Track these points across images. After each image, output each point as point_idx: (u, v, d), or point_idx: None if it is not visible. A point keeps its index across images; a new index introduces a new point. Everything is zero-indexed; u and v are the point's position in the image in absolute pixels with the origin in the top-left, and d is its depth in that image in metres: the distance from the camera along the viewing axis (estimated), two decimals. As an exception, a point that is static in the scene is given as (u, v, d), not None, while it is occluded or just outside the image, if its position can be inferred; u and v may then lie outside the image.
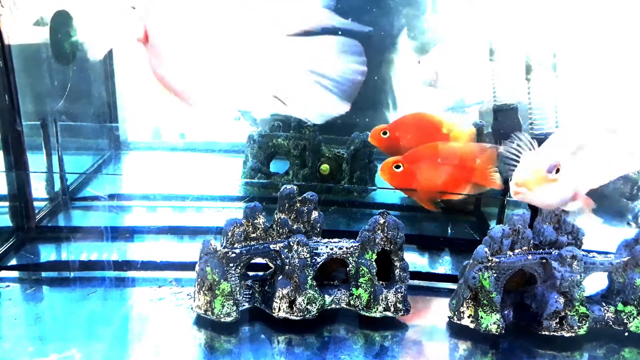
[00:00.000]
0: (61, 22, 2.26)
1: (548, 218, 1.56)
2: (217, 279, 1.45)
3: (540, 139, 1.79)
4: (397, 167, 1.56)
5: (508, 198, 1.96)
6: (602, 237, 1.76)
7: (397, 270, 1.54)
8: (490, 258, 1.47)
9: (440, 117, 1.94)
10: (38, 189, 2.12)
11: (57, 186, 2.20)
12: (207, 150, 2.97)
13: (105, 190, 2.36)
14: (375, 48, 3.04)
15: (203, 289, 1.48)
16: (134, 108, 3.08)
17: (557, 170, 1.29)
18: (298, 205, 1.57)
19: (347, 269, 1.54)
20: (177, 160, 2.88)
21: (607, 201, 2.52)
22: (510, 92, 2.16)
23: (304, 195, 1.58)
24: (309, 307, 1.48)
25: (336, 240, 1.56)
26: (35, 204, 1.99)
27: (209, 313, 1.47)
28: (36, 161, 2.01)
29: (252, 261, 1.54)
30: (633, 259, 1.50)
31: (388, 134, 2.02)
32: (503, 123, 2.19)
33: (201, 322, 1.50)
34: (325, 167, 2.36)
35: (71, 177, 2.31)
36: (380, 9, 2.89)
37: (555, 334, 1.47)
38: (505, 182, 1.97)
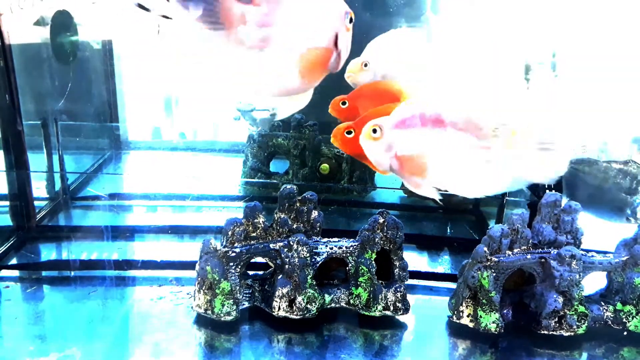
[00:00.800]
0: (62, 22, 2.27)
1: (547, 217, 1.57)
2: (217, 278, 1.45)
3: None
4: (349, 132, 1.54)
5: (507, 198, 1.96)
6: (601, 232, 1.77)
7: (397, 269, 1.55)
8: (489, 257, 1.47)
9: (399, 85, 1.89)
10: (39, 188, 2.12)
11: (58, 186, 2.21)
12: (207, 150, 2.97)
13: (105, 189, 2.36)
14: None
15: (203, 288, 1.48)
16: (134, 108, 3.09)
17: (375, 131, 1.39)
18: (298, 204, 1.57)
19: (347, 268, 1.55)
20: (178, 159, 2.88)
21: (606, 196, 2.52)
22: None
23: (304, 194, 1.58)
24: (308, 306, 1.49)
25: (336, 239, 1.56)
26: (36, 203, 1.99)
27: (209, 312, 1.47)
28: (37, 161, 2.02)
29: (252, 260, 1.55)
30: (632, 258, 1.50)
31: (347, 104, 2.00)
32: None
33: (201, 321, 1.51)
34: (325, 167, 2.36)
35: (72, 176, 2.31)
36: (379, 9, 2.89)
37: (554, 333, 1.47)
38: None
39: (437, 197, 1.44)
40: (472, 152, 1.34)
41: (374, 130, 1.40)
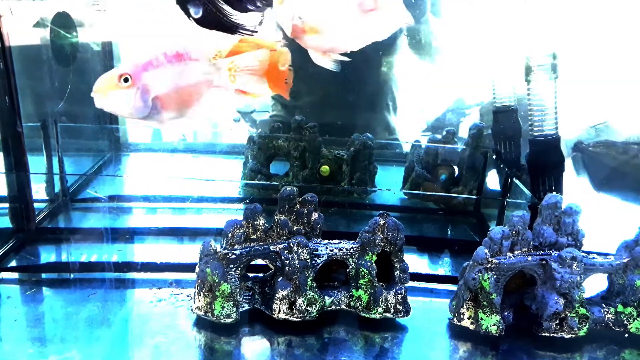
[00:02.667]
0: (62, 24, 2.27)
1: (548, 219, 1.56)
2: (217, 281, 1.45)
3: (541, 141, 1.81)
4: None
5: (508, 199, 1.96)
6: (602, 234, 1.76)
7: (397, 271, 1.54)
8: (490, 259, 1.47)
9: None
10: (38, 190, 2.12)
11: (57, 187, 2.20)
12: (207, 152, 2.97)
13: (99, 191, 2.36)
14: (374, 49, 3.05)
15: (203, 291, 1.48)
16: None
17: (127, 79, 1.35)
18: (298, 206, 1.57)
19: (347, 270, 1.54)
20: (177, 161, 2.88)
21: (628, 177, 2.52)
22: (510, 93, 2.17)
23: (304, 196, 1.58)
24: (309, 308, 1.48)
25: (336, 241, 1.56)
26: (36, 205, 1.99)
27: (209, 314, 1.47)
28: (36, 162, 2.01)
29: (252, 262, 1.54)
30: (633, 260, 1.50)
31: None
32: (503, 124, 2.20)
33: (201, 323, 1.50)
34: (325, 169, 2.36)
35: (71, 178, 2.31)
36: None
37: (555, 335, 1.47)
38: (506, 180, 1.97)
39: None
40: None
41: (125, 79, 1.34)
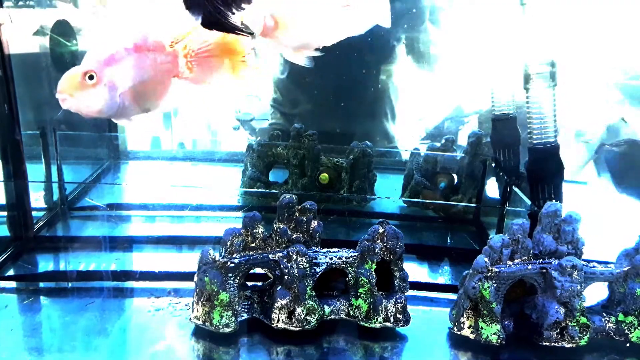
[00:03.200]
0: (61, 32, 2.27)
1: (548, 228, 1.56)
2: (215, 290, 1.44)
3: (540, 148, 1.81)
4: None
5: (507, 207, 1.95)
6: (602, 242, 1.75)
7: (397, 280, 1.54)
8: (490, 268, 1.46)
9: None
10: (38, 200, 2.12)
11: (56, 196, 2.19)
12: (206, 160, 2.97)
13: (104, 199, 2.35)
14: (374, 58, 3.06)
15: (201, 300, 1.47)
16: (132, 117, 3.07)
17: (92, 77, 1.32)
18: (297, 214, 1.56)
19: (347, 279, 1.54)
20: (177, 169, 2.88)
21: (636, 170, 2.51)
22: (509, 101, 2.17)
23: (303, 204, 1.57)
24: (308, 317, 1.47)
25: (335, 250, 1.55)
26: (34, 213, 1.98)
27: (208, 324, 1.46)
28: (35, 170, 2.01)
29: (251, 271, 1.53)
30: (633, 268, 1.49)
31: None
32: (502, 132, 2.20)
33: (199, 333, 1.49)
34: (324, 176, 2.36)
35: (70, 186, 2.30)
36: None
37: (556, 344, 1.46)
38: (505, 189, 1.97)
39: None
40: None
41: (90, 77, 1.30)
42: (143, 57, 1.36)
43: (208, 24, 1.23)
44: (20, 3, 2.55)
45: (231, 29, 1.24)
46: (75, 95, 1.32)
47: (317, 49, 1.42)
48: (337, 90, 3.03)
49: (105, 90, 1.33)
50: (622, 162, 2.68)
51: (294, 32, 1.32)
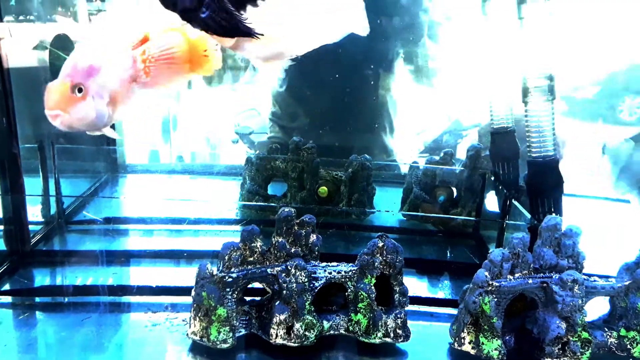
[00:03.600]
0: (61, 46, 2.28)
1: (548, 241, 1.55)
2: (213, 305, 1.42)
3: (539, 162, 1.81)
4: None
5: (507, 221, 1.95)
6: (602, 256, 1.74)
7: (397, 295, 1.52)
8: (490, 282, 1.45)
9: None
10: (36, 215, 2.10)
11: (53, 209, 2.18)
12: (205, 173, 2.96)
13: (101, 213, 2.34)
14: (372, 72, 3.08)
15: (199, 315, 1.45)
16: (132, 130, 3.08)
17: (80, 89, 1.27)
18: (296, 228, 1.55)
19: (346, 293, 1.52)
20: (175, 183, 2.87)
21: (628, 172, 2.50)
22: (508, 115, 2.18)
23: (302, 218, 1.56)
24: (307, 333, 1.45)
25: (335, 264, 1.54)
26: (31, 227, 1.97)
27: (205, 339, 1.44)
28: (33, 184, 2.00)
29: (249, 286, 1.52)
30: (634, 282, 1.48)
31: None
32: (500, 146, 2.20)
33: (197, 348, 1.47)
34: (323, 190, 2.35)
35: (67, 200, 2.29)
36: (378, 34, 2.93)
37: (558, 360, 1.44)
38: (505, 202, 1.96)
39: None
40: None
41: (79, 90, 1.24)
42: (117, 64, 1.33)
43: (221, 31, 1.19)
44: (21, 17, 2.56)
45: (244, 32, 1.20)
46: (70, 111, 1.27)
47: (291, 58, 1.38)
48: (336, 104, 3.04)
49: (93, 102, 1.28)
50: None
51: (264, 42, 1.27)
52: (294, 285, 1.45)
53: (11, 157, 1.81)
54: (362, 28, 1.44)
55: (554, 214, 1.71)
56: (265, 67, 1.37)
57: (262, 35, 1.21)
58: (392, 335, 1.50)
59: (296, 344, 1.45)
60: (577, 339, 1.44)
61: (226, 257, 1.49)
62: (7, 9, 2.30)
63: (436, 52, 3.22)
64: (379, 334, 1.49)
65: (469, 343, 1.47)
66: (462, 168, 2.34)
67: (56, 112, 1.27)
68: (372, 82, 3.11)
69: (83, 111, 1.28)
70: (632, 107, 7.83)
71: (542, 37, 1.78)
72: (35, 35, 2.29)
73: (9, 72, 1.77)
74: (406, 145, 3.46)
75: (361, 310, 1.49)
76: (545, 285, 1.47)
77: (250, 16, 1.18)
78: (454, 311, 1.58)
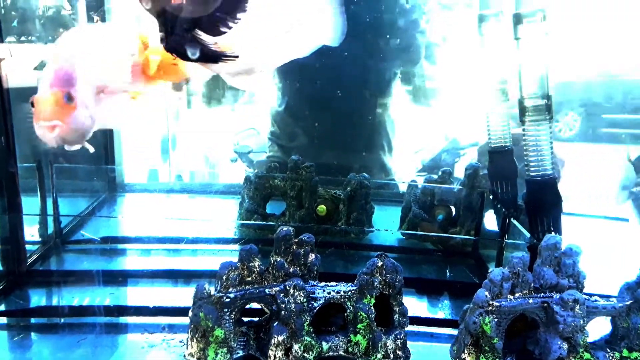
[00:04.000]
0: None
1: (548, 261, 1.54)
2: (210, 325, 1.41)
3: (537, 181, 1.81)
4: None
5: (506, 240, 1.94)
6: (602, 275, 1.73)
7: (396, 315, 1.51)
8: (491, 302, 1.43)
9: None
10: (33, 235, 2.09)
11: (51, 229, 2.17)
12: (204, 192, 2.96)
13: (99, 232, 2.33)
14: (370, 92, 3.10)
15: (196, 336, 1.43)
16: (130, 150, 3.09)
17: (70, 98, 1.23)
18: (294, 247, 1.54)
19: (345, 314, 1.51)
20: (174, 202, 2.86)
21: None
22: (506, 134, 2.19)
23: (301, 237, 1.55)
24: (305, 354, 1.43)
25: (333, 283, 1.52)
26: (27, 247, 1.95)
27: (202, 361, 1.42)
28: (30, 203, 1.99)
29: (247, 306, 1.50)
30: (636, 302, 1.47)
31: None
32: (499, 165, 2.20)
33: (194, 370, 1.45)
34: (322, 208, 2.34)
35: (65, 219, 2.28)
36: (376, 54, 2.96)
37: (560, 381, 1.42)
38: (504, 221, 1.96)
39: None
40: None
41: (69, 98, 1.20)
42: (93, 70, 1.31)
43: (198, 58, 1.19)
44: (23, 38, 2.59)
45: (216, 56, 1.20)
46: (65, 120, 1.22)
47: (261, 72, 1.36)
48: (335, 123, 3.06)
49: (86, 110, 1.25)
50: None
51: (238, 58, 1.25)
52: (293, 305, 1.44)
53: (9, 176, 1.80)
54: (332, 39, 1.42)
55: (553, 233, 1.70)
56: (235, 82, 1.36)
57: (236, 57, 1.21)
58: (392, 356, 1.48)
59: (295, 366, 1.43)
60: (579, 360, 1.42)
61: (224, 277, 1.48)
62: (8, 30, 2.32)
63: (433, 73, 3.26)
64: (379, 355, 1.47)
65: (470, 364, 1.45)
66: (461, 187, 2.35)
67: (54, 123, 1.22)
68: (370, 102, 3.13)
69: (79, 120, 1.25)
70: (569, 122, 7.87)
71: (538, 57, 1.79)
72: (37, 56, 2.31)
73: (9, 92, 1.78)
74: (405, 164, 3.47)
75: (360, 331, 1.47)
76: (546, 305, 1.46)
77: (224, 38, 1.18)
78: (454, 332, 1.56)
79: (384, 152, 3.25)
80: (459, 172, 2.60)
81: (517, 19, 1.80)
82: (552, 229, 1.80)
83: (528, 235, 1.83)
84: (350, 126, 3.08)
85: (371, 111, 3.15)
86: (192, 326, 1.44)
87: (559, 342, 1.42)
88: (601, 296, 1.53)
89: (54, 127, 1.23)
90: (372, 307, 1.48)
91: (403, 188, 2.84)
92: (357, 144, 3.13)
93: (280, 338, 1.43)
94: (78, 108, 1.24)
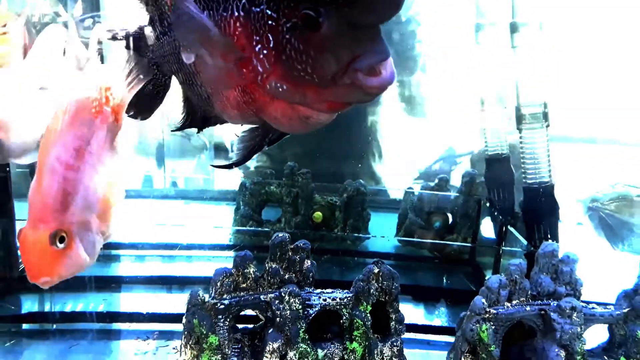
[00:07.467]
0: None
1: (545, 268, 1.53)
2: (204, 332, 1.39)
3: (535, 188, 1.81)
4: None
5: (503, 247, 1.93)
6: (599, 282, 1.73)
7: (393, 322, 1.49)
8: (488, 309, 1.42)
9: None
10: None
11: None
12: (199, 198, 2.94)
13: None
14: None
15: (190, 343, 1.41)
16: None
17: (62, 239, 1.01)
18: (290, 253, 1.53)
19: (341, 321, 1.49)
20: (168, 207, 2.85)
21: None
22: (503, 142, 2.19)
23: (296, 243, 1.54)
24: (300, 362, 1.42)
25: (329, 290, 1.51)
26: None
27: (196, 368, 1.40)
28: (23, 208, 1.97)
29: (242, 313, 1.49)
30: (633, 310, 1.46)
31: None
32: (496, 172, 2.20)
33: (187, 378, 1.43)
34: (318, 215, 2.33)
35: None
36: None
37: (558, 390, 1.41)
38: (501, 228, 1.95)
39: None
40: None
41: (61, 240, 0.99)
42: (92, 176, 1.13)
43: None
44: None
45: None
46: (55, 272, 1.01)
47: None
48: (325, 132, 3.05)
49: (82, 247, 1.05)
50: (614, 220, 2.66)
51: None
52: (288, 312, 1.42)
53: (1, 180, 1.79)
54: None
55: (550, 240, 1.70)
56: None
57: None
58: (388, 364, 1.46)
59: (290, 374, 1.41)
60: (576, 368, 1.41)
61: (218, 284, 1.46)
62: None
63: (428, 81, 3.27)
64: (375, 363, 1.46)
65: (467, 372, 1.44)
66: (458, 194, 2.34)
67: (44, 280, 1.01)
68: (360, 110, 3.13)
69: (73, 265, 1.04)
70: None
71: (535, 65, 1.80)
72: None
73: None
74: (396, 172, 3.47)
75: (357, 338, 1.46)
76: (543, 312, 1.45)
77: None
78: (451, 339, 1.55)
79: (374, 160, 3.25)
80: (455, 180, 2.60)
81: (514, 28, 1.81)
82: (549, 236, 1.79)
83: (525, 242, 1.83)
84: (340, 134, 3.08)
85: (362, 119, 3.16)
86: (185, 333, 1.43)
87: (557, 350, 1.41)
88: (598, 304, 1.52)
89: (44, 283, 1.02)
90: (369, 314, 1.47)
91: (395, 195, 2.84)
92: (347, 152, 3.13)
93: (275, 345, 1.42)
94: (73, 249, 1.03)
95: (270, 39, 0.80)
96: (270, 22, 0.79)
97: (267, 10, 0.79)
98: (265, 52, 0.81)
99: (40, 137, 1.12)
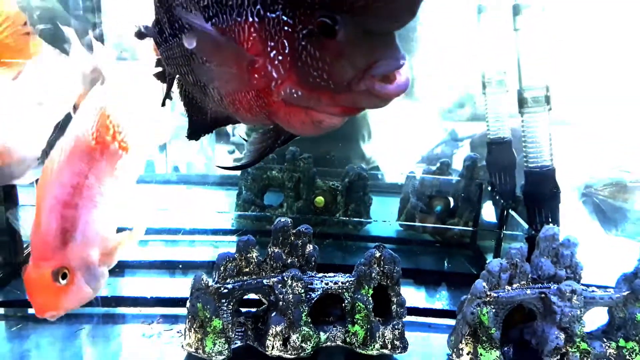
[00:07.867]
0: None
1: (546, 252, 1.54)
2: (208, 316, 1.41)
3: (536, 172, 1.81)
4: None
5: (504, 231, 1.94)
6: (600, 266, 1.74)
7: (394, 305, 1.51)
8: (488, 293, 1.44)
9: None
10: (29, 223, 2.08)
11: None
12: (201, 183, 2.95)
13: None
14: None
15: (194, 326, 1.43)
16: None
17: (64, 276, 1.06)
18: (292, 238, 1.54)
19: (343, 304, 1.51)
20: (171, 192, 2.85)
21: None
22: (504, 125, 2.18)
23: (299, 228, 1.55)
24: (303, 345, 1.44)
25: (331, 274, 1.52)
26: (24, 237, 1.94)
27: (200, 351, 1.42)
28: (28, 195, 1.98)
29: (245, 297, 1.50)
30: (633, 293, 1.47)
31: None
32: (497, 156, 2.20)
33: (192, 360, 1.45)
34: (319, 200, 2.34)
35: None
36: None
37: (557, 371, 1.43)
38: (502, 212, 1.96)
39: None
40: None
41: (63, 276, 1.03)
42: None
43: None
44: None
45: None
46: (59, 306, 1.06)
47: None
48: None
49: (84, 281, 1.08)
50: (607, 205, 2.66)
51: None
52: (291, 296, 1.44)
53: (5, 166, 1.79)
54: None
55: (551, 224, 1.71)
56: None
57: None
58: (389, 346, 1.48)
59: (292, 356, 1.43)
60: (576, 350, 1.42)
61: (222, 268, 1.47)
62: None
63: (428, 63, 3.24)
64: (377, 346, 1.47)
65: (467, 354, 1.46)
66: (459, 178, 2.34)
67: (50, 314, 1.08)
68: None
69: (77, 299, 1.08)
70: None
71: (538, 48, 1.78)
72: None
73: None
74: (387, 154, 3.44)
75: (358, 321, 1.48)
76: (543, 295, 1.46)
77: None
78: (452, 322, 1.57)
79: (363, 141, 3.22)
80: (457, 164, 2.60)
81: (516, 10, 1.79)
82: (550, 220, 1.80)
83: (526, 226, 1.83)
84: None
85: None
86: (189, 317, 1.44)
87: (556, 332, 1.43)
88: (598, 287, 1.54)
89: (52, 316, 1.10)
90: (370, 298, 1.48)
91: (391, 179, 2.84)
92: (335, 133, 3.11)
93: (278, 328, 1.44)
94: (75, 284, 1.07)
95: (286, 45, 0.80)
96: (286, 28, 0.79)
97: (283, 17, 0.79)
98: (280, 58, 0.81)
99: (41, 153, 1.15)
